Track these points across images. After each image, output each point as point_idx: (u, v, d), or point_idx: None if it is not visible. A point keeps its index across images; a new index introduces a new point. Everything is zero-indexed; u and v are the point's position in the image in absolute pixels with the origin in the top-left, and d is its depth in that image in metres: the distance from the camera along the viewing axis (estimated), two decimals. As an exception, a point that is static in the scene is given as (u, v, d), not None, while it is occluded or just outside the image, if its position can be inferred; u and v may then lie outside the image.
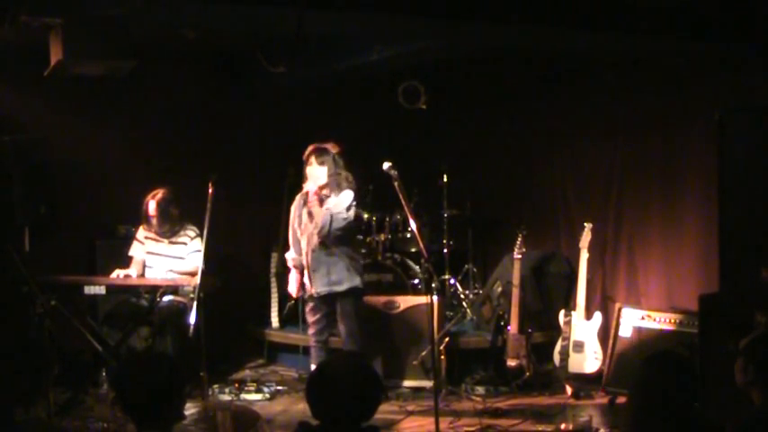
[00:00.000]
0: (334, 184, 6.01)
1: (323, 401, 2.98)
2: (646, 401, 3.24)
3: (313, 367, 6.11)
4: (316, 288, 6.07)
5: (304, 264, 6.13)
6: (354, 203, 6.03)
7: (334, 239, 5.99)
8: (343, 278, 6.02)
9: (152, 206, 6.44)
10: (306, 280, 6.15)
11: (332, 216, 5.93)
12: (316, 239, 6.01)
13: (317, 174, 6.02)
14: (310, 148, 6.07)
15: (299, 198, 6.20)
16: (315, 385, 3.04)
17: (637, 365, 3.43)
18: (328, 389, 2.97)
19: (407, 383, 6.57)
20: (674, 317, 6.18)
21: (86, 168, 7.20)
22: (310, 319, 6.23)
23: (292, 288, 6.38)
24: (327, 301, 6.12)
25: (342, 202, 5.98)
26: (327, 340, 6.28)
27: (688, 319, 6.02)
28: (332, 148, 6.07)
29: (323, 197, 6.02)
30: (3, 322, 5.81)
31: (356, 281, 6.07)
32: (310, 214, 6.04)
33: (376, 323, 6.65)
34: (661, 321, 6.20)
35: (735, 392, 3.43)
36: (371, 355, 6.27)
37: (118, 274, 6.38)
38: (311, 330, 6.25)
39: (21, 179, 6.42)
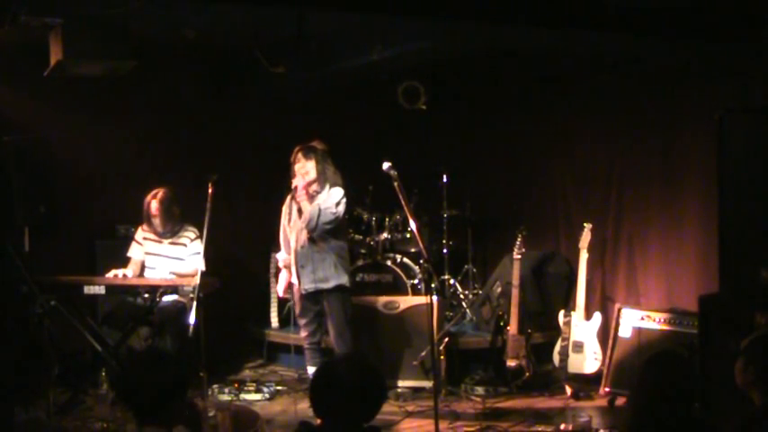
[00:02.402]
0: (323, 180, 6.03)
1: (326, 401, 2.98)
2: (646, 402, 3.25)
3: (309, 369, 6.16)
4: (303, 285, 6.08)
5: (292, 261, 6.14)
6: (344, 200, 6.03)
7: (321, 235, 6.00)
8: (329, 275, 6.03)
9: (154, 205, 6.45)
10: (294, 279, 6.17)
11: (320, 210, 5.95)
12: (304, 235, 6.03)
13: (305, 170, 6.03)
14: (296, 148, 6.10)
15: (289, 197, 6.21)
16: (318, 385, 3.05)
17: (636, 366, 3.44)
18: (332, 389, 2.98)
19: (407, 384, 6.57)
20: (673, 317, 6.18)
21: (86, 168, 7.20)
22: (301, 322, 6.24)
23: (280, 288, 6.40)
24: (315, 300, 6.13)
25: (331, 198, 6.00)
26: (321, 341, 6.28)
27: (688, 320, 6.02)
28: (318, 145, 6.09)
29: (313, 193, 6.04)
30: (2, 322, 5.80)
31: (343, 279, 6.06)
32: (300, 211, 6.06)
33: (375, 323, 6.66)
34: (661, 322, 6.20)
35: (735, 392, 3.43)
36: (367, 354, 6.28)
37: (116, 274, 6.38)
38: (303, 333, 6.26)
39: (21, 179, 6.41)
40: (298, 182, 6.04)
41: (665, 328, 6.17)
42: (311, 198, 6.03)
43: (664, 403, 3.17)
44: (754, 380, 3.30)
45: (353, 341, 6.15)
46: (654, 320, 6.23)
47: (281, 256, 6.32)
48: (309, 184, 6.04)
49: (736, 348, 3.43)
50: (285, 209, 6.24)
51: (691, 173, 6.46)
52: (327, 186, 6.03)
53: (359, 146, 7.55)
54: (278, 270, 6.49)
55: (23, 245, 6.37)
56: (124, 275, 6.40)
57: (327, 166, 6.06)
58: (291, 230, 6.15)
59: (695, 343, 5.36)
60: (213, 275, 6.14)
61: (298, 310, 6.27)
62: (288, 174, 6.17)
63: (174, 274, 6.39)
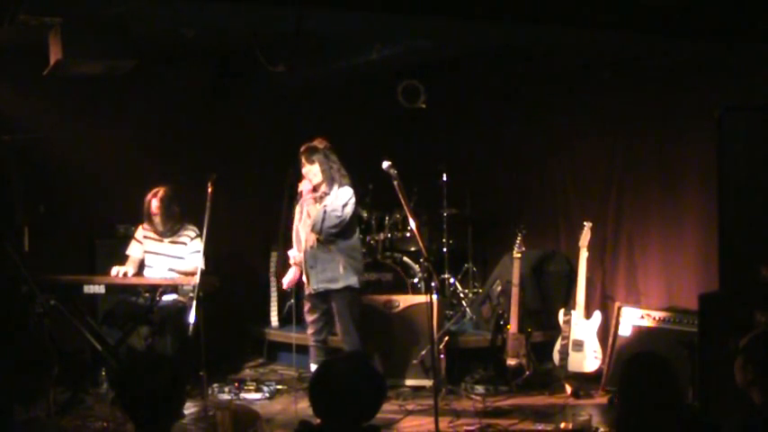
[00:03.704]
0: (329, 180, 6.02)
1: (325, 401, 2.99)
2: (629, 401, 3.28)
3: (312, 367, 6.15)
4: (311, 285, 6.08)
5: (303, 261, 6.15)
6: (352, 201, 6.02)
7: (328, 237, 6.00)
8: (337, 276, 6.02)
9: (154, 204, 6.45)
10: (304, 278, 6.17)
11: (325, 213, 5.94)
12: (313, 236, 6.03)
13: (311, 173, 6.04)
14: (301, 149, 6.09)
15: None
16: (317, 384, 3.05)
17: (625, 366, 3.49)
18: (331, 388, 2.98)
19: (407, 382, 6.57)
20: (673, 316, 6.18)
21: (86, 168, 7.19)
22: (308, 318, 6.23)
23: (286, 280, 6.38)
24: (324, 300, 6.13)
25: (339, 200, 5.98)
26: (326, 340, 6.28)
27: (688, 318, 6.03)
28: (319, 143, 6.08)
29: (322, 194, 6.04)
30: (2, 322, 5.81)
31: (352, 280, 6.05)
32: (309, 212, 6.06)
33: (376, 322, 6.65)
34: (661, 320, 6.20)
35: (735, 392, 3.43)
36: (370, 354, 6.28)
37: (118, 272, 6.39)
38: (310, 330, 6.25)
39: (20, 179, 6.41)
40: (304, 186, 6.04)
41: (665, 326, 6.17)
42: (320, 199, 6.03)
43: (646, 403, 3.20)
44: (753, 379, 3.30)
45: (362, 341, 6.13)
46: (654, 319, 6.24)
47: (293, 253, 6.32)
48: (317, 187, 6.04)
49: (735, 347, 3.43)
50: (298, 208, 6.24)
51: (691, 171, 6.46)
52: (336, 187, 6.02)
53: (358, 145, 7.54)
54: (286, 267, 6.46)
55: (23, 245, 6.37)
56: (125, 273, 6.41)
57: (332, 165, 6.04)
58: (302, 230, 6.16)
59: (695, 341, 5.37)
60: (213, 274, 6.14)
61: (306, 308, 6.26)
62: (290, 173, 6.18)
63: (173, 270, 6.40)
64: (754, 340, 3.42)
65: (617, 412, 3.54)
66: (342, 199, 5.98)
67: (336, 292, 6.05)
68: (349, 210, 5.98)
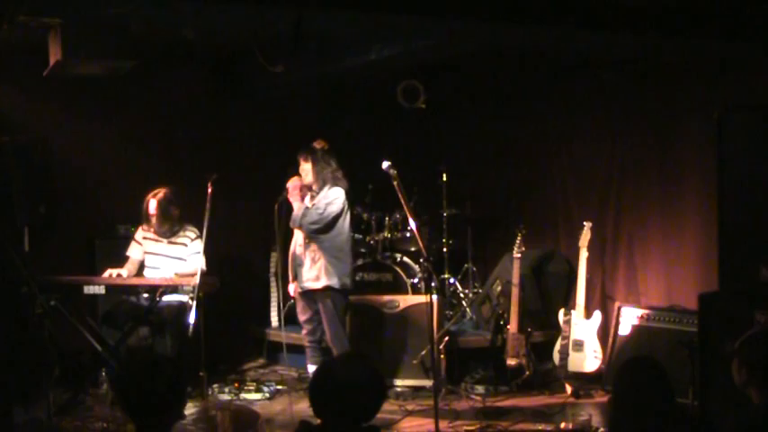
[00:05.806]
0: (320, 180, 6.04)
1: (325, 401, 2.99)
2: (623, 407, 3.30)
3: (310, 367, 6.17)
4: (299, 283, 6.13)
5: (291, 260, 6.18)
6: (339, 201, 6.01)
7: (313, 235, 6.03)
8: (319, 275, 6.05)
9: (152, 205, 6.45)
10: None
11: (305, 210, 5.96)
12: (302, 235, 6.08)
13: (304, 171, 6.07)
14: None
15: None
16: (317, 384, 3.06)
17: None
18: (331, 388, 2.98)
19: (407, 383, 6.57)
20: (673, 315, 6.19)
21: (86, 168, 7.21)
22: (301, 318, 6.26)
23: (291, 288, 6.40)
24: (313, 299, 6.15)
25: (326, 198, 6.00)
26: (321, 340, 6.29)
27: (687, 318, 6.03)
28: (317, 144, 6.10)
29: (313, 194, 6.06)
30: (2, 323, 5.81)
31: (333, 281, 6.05)
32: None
33: (375, 322, 6.66)
34: (660, 320, 6.20)
35: (734, 392, 3.43)
36: (369, 354, 6.28)
37: (110, 273, 6.38)
38: (304, 330, 6.28)
39: (21, 179, 6.42)
40: (292, 182, 6.07)
41: (665, 326, 6.17)
42: (312, 198, 6.05)
43: (639, 408, 3.22)
44: (748, 380, 3.32)
45: (350, 341, 6.15)
46: (654, 319, 6.24)
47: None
48: (309, 185, 6.05)
49: (732, 348, 3.44)
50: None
51: (690, 171, 6.47)
52: (327, 187, 6.04)
53: (358, 145, 7.55)
54: (286, 268, 6.49)
55: (23, 245, 6.37)
56: (119, 275, 6.40)
57: (326, 165, 6.06)
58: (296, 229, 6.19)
59: (695, 341, 5.37)
60: (213, 275, 6.14)
61: (298, 308, 6.29)
62: (289, 173, 6.19)
63: (177, 274, 6.40)
64: (745, 342, 3.43)
65: (610, 416, 3.57)
66: (329, 198, 6.00)
67: (319, 292, 6.07)
68: (333, 209, 5.98)
